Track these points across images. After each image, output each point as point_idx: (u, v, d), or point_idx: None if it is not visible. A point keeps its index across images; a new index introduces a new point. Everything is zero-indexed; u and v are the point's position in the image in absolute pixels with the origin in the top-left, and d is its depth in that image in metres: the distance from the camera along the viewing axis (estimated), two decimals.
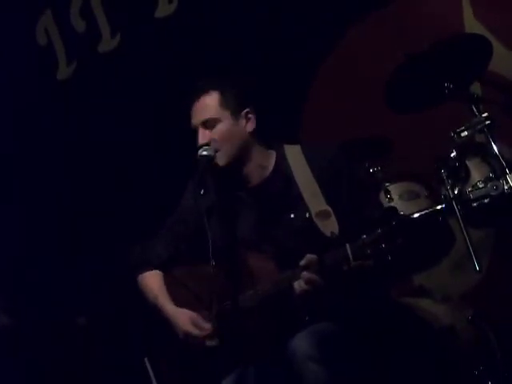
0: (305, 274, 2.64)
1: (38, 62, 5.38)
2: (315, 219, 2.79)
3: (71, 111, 5.17)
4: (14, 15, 5.29)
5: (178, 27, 4.89)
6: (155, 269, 3.05)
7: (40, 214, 5.18)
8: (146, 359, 3.13)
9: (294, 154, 2.93)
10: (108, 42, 5.14)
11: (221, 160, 2.87)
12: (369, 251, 2.60)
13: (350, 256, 2.61)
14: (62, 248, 5.09)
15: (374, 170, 3.82)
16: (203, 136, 2.88)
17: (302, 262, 2.66)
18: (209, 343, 2.82)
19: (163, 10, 4.94)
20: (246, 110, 2.91)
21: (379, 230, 2.59)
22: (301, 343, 2.61)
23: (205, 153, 2.86)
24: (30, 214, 5.22)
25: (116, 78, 5.06)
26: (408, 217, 2.63)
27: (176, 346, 2.92)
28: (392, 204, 3.56)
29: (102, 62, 5.15)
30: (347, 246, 2.62)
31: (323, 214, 2.80)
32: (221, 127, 2.88)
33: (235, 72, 4.38)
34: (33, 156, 5.27)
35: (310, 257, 2.66)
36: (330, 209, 2.80)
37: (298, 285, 2.66)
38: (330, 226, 2.77)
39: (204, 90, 2.91)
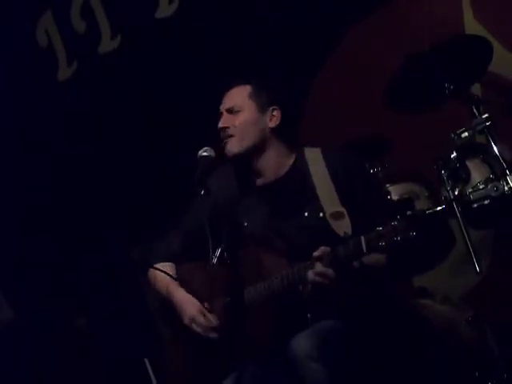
0: (318, 264, 2.64)
1: (38, 62, 5.38)
2: (329, 219, 2.81)
3: (72, 112, 5.17)
4: (14, 16, 5.29)
5: (178, 28, 4.89)
6: (168, 261, 3.06)
7: (40, 213, 5.18)
8: (145, 360, 3.14)
9: (314, 156, 2.97)
10: (108, 43, 5.14)
11: (233, 146, 2.92)
12: (383, 243, 2.59)
13: (364, 248, 2.60)
14: (61, 248, 5.09)
15: (374, 171, 3.82)
16: (224, 120, 2.97)
17: (316, 253, 2.67)
18: (211, 335, 2.82)
19: (164, 10, 4.95)
20: (272, 107, 2.97)
21: (395, 223, 2.58)
22: (302, 343, 2.61)
23: (204, 153, 2.89)
24: (30, 213, 5.22)
25: (116, 78, 5.06)
26: (422, 210, 2.62)
27: (176, 347, 2.92)
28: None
29: (103, 62, 5.16)
30: (361, 237, 2.62)
31: (337, 215, 2.82)
32: (243, 115, 2.95)
33: (236, 71, 4.39)
34: (33, 156, 5.27)
35: (323, 248, 2.67)
36: (344, 210, 2.82)
37: (313, 273, 2.66)
38: (343, 227, 2.78)
39: (239, 82, 3.01)
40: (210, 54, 4.69)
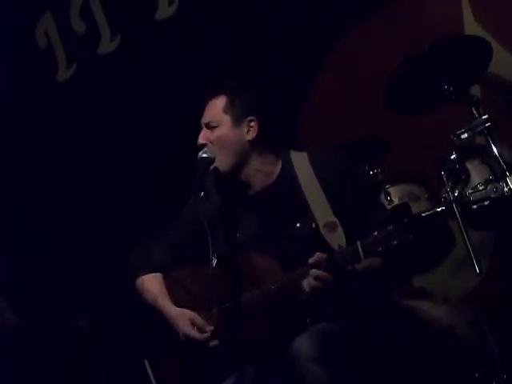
0: (314, 270, 2.63)
1: (37, 63, 5.37)
2: (322, 231, 2.78)
3: (71, 113, 5.17)
4: (13, 17, 5.29)
5: (178, 29, 4.88)
6: (156, 272, 3.05)
7: (40, 214, 5.18)
8: (145, 361, 3.13)
9: (301, 162, 2.92)
10: (108, 44, 5.14)
11: (220, 167, 2.89)
12: (380, 248, 2.58)
13: (361, 253, 2.59)
14: (62, 249, 5.09)
15: (373, 172, 3.82)
16: (203, 136, 2.92)
17: (311, 260, 2.65)
18: (209, 344, 2.82)
19: (163, 11, 4.94)
20: (249, 118, 2.91)
21: (391, 227, 2.57)
22: (303, 344, 2.60)
23: (204, 155, 2.88)
24: (30, 215, 5.21)
25: (116, 79, 5.06)
26: (419, 214, 2.61)
27: (176, 347, 2.91)
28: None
29: (102, 63, 5.15)
30: (358, 243, 2.60)
31: (330, 226, 2.78)
32: (219, 132, 2.90)
33: (236, 73, 4.39)
34: (33, 158, 5.26)
35: (319, 254, 2.65)
36: (336, 220, 2.78)
37: (307, 283, 2.64)
38: (337, 239, 2.74)
39: (216, 93, 2.95)
40: (209, 54, 4.68)
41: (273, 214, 2.88)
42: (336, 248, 2.70)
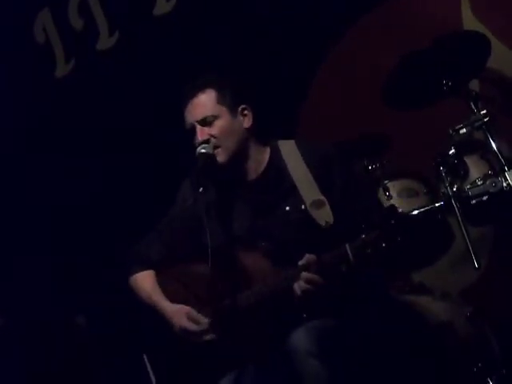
0: (304, 274, 2.64)
1: (36, 59, 5.37)
2: (309, 209, 2.79)
3: (69, 109, 5.17)
4: (11, 13, 5.28)
5: (176, 25, 4.88)
6: (148, 269, 3.05)
7: (38, 213, 5.18)
8: (144, 356, 3.14)
9: (288, 148, 2.93)
10: (106, 40, 5.14)
11: (221, 157, 2.87)
12: (369, 250, 2.60)
13: (351, 256, 2.61)
14: (59, 247, 5.09)
15: (372, 168, 3.82)
16: (202, 133, 2.87)
17: (301, 262, 2.66)
18: (206, 337, 2.83)
19: (161, 7, 4.94)
20: (242, 107, 2.92)
21: (378, 230, 2.59)
22: (300, 339, 2.61)
23: (204, 150, 2.86)
24: (27, 214, 5.21)
25: (114, 75, 5.05)
26: (407, 214, 2.62)
27: (175, 344, 2.91)
28: (391, 201, 3.56)
29: (101, 59, 5.15)
30: (347, 245, 2.62)
31: (317, 204, 2.79)
32: (220, 123, 2.88)
33: (234, 70, 4.38)
34: (32, 153, 5.26)
35: (309, 257, 2.66)
36: (324, 198, 2.79)
37: (298, 286, 2.66)
38: (324, 216, 2.76)
39: (199, 89, 2.91)
40: (208, 50, 4.68)
41: (264, 201, 2.89)
42: (323, 225, 2.73)
